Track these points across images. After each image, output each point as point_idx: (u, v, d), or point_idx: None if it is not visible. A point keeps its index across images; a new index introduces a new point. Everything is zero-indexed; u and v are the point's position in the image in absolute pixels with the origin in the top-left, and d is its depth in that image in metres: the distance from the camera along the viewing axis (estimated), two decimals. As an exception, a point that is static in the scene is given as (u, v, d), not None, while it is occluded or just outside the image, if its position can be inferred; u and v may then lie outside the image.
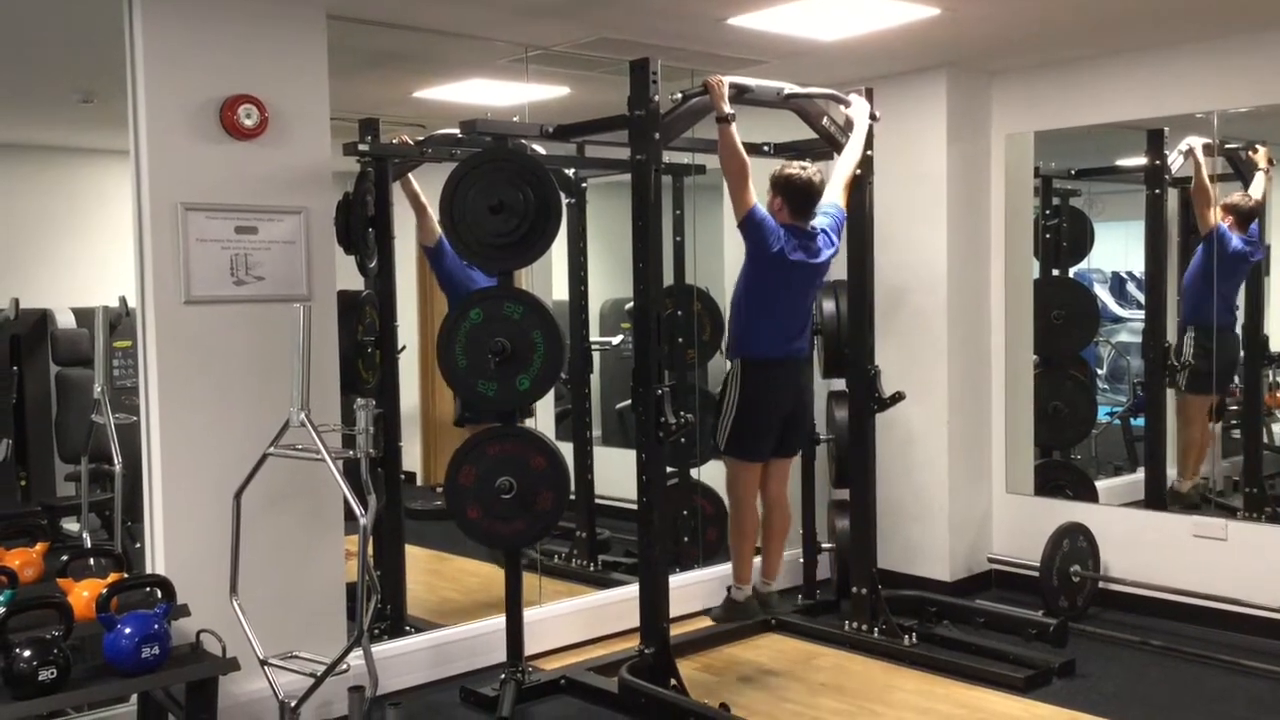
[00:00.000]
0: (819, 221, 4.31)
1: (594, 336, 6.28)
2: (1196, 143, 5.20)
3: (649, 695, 3.99)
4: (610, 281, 6.69)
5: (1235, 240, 5.26)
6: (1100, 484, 5.91)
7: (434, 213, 5.05)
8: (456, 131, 4.42)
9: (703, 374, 6.09)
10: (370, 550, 3.47)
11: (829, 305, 4.94)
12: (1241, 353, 5.42)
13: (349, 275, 4.51)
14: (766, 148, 4.97)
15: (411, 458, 7.40)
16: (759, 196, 4.23)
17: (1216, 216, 5.24)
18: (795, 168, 4.29)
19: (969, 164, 5.48)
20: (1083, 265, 6.19)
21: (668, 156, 4.30)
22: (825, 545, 5.31)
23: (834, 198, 4.38)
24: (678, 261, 5.75)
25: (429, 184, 5.31)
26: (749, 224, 4.14)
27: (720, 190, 5.80)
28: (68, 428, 5.88)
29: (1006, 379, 5.63)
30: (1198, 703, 4.17)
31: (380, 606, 4.47)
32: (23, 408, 6.13)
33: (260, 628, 3.47)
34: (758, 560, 4.75)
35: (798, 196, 4.25)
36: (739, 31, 4.48)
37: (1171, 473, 5.55)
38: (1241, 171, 5.32)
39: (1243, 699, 4.20)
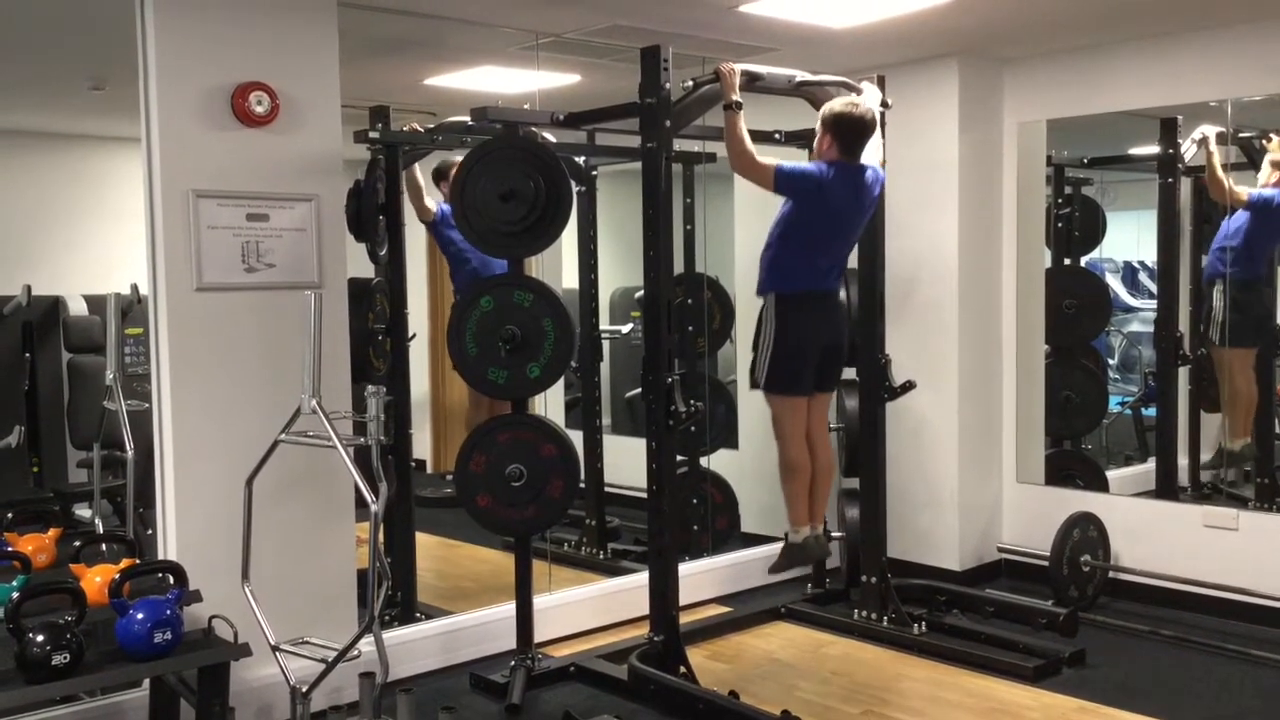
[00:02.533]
0: (868, 161, 4.19)
1: (604, 325, 6.28)
2: (1210, 131, 5.17)
3: (658, 683, 4.00)
4: (620, 269, 6.68)
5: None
6: (1111, 474, 5.90)
7: (429, 194, 5.09)
8: (467, 119, 4.41)
9: (712, 362, 6.08)
10: (381, 537, 3.48)
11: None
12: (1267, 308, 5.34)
13: (360, 263, 4.52)
14: (778, 135, 4.96)
15: (422, 445, 7.43)
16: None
17: (1237, 198, 5.18)
18: (846, 104, 4.11)
19: (981, 152, 5.46)
20: (1095, 254, 6.17)
21: (678, 144, 4.30)
22: (835, 534, 5.30)
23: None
24: (688, 250, 5.74)
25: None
26: (781, 182, 4.03)
27: (730, 178, 5.82)
28: (80, 414, 5.91)
29: (1018, 368, 5.62)
30: (1208, 692, 4.17)
31: (391, 593, 4.48)
32: (35, 394, 6.16)
33: (272, 613, 3.49)
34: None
35: (849, 134, 4.09)
36: (750, 19, 4.47)
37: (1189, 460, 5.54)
38: (1255, 160, 5.29)
39: (1253, 689, 4.19)
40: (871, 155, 4.28)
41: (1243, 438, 5.39)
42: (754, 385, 4.34)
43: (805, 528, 4.38)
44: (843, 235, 4.25)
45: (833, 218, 4.14)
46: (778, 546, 5.58)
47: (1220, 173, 5.17)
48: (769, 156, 4.13)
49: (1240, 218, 5.25)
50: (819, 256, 4.21)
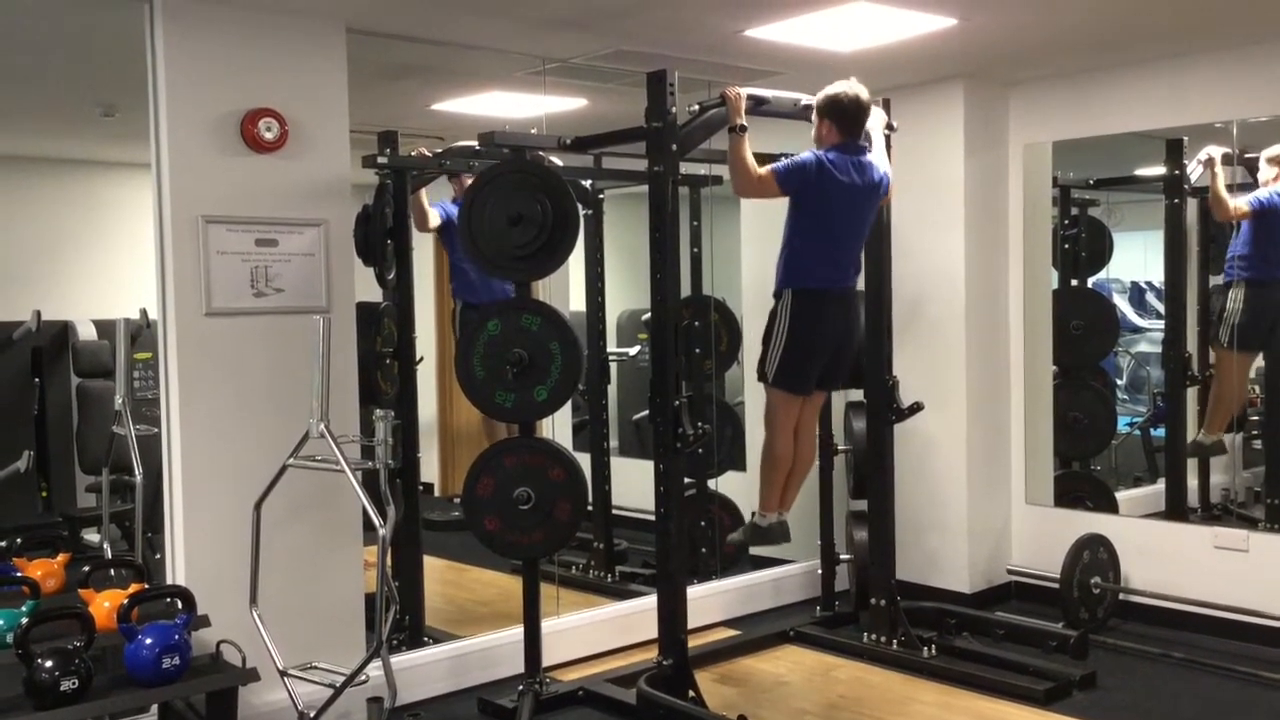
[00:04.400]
0: (873, 156, 4.21)
1: (611, 347, 6.28)
2: (1216, 152, 5.17)
3: (667, 707, 3.98)
4: (627, 292, 6.70)
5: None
6: (1120, 495, 5.87)
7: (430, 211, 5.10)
8: (475, 144, 4.44)
9: (720, 385, 6.08)
10: (389, 561, 3.48)
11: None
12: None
13: (368, 287, 4.54)
14: (784, 158, 4.96)
15: (429, 469, 7.42)
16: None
17: (1240, 212, 5.20)
18: (838, 88, 4.10)
19: (987, 174, 5.47)
20: (1101, 275, 6.17)
21: (685, 168, 4.31)
22: (844, 557, 5.29)
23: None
24: (694, 272, 5.75)
25: (447, 193, 5.34)
26: (782, 181, 4.02)
27: (737, 200, 5.84)
28: (88, 439, 5.93)
29: (1025, 389, 5.61)
30: (1219, 715, 4.14)
31: (399, 617, 4.47)
32: (44, 419, 6.18)
33: (280, 638, 3.49)
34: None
35: (845, 116, 4.09)
36: (755, 43, 4.49)
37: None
38: (1260, 181, 5.28)
39: (1265, 711, 4.16)
40: (879, 160, 4.29)
41: (1216, 434, 5.45)
42: (760, 379, 4.37)
43: (773, 514, 4.43)
44: (851, 222, 4.19)
45: (838, 202, 4.10)
46: (786, 569, 5.63)
47: (1224, 193, 5.17)
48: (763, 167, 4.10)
49: (1247, 226, 5.25)
50: (832, 250, 4.17)
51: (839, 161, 4.09)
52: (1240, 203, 5.17)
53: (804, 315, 4.17)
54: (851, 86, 4.11)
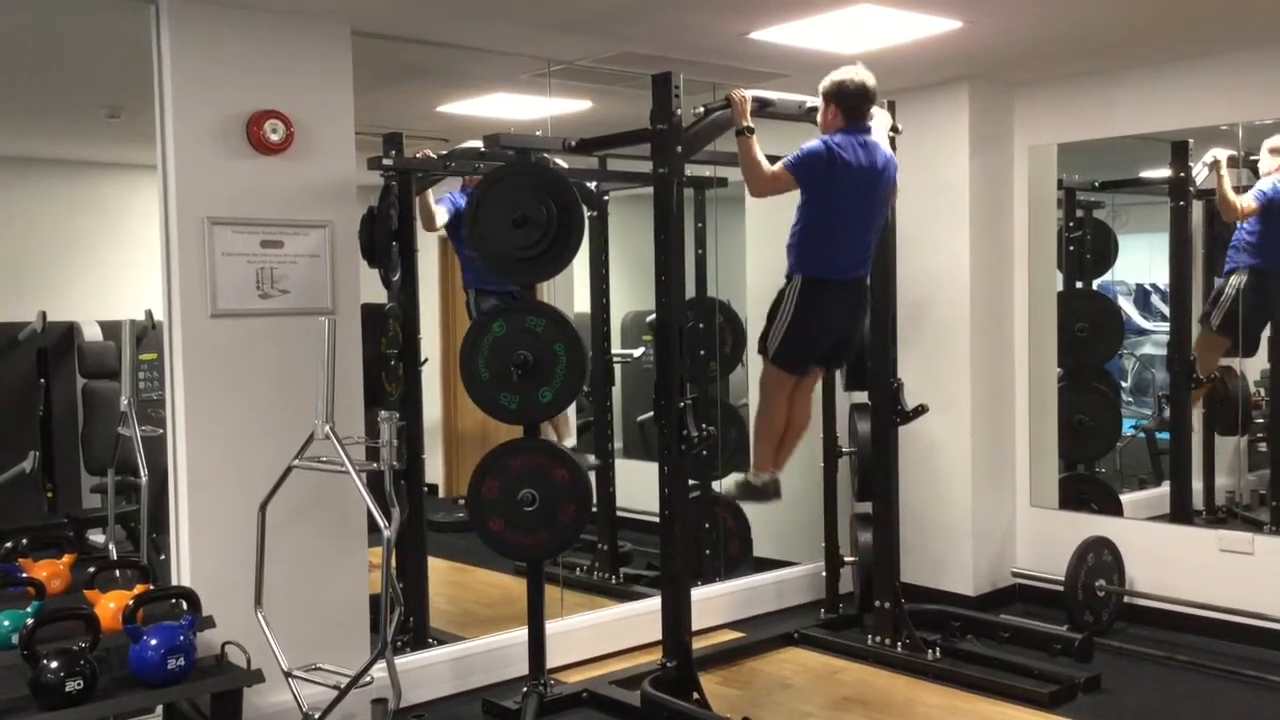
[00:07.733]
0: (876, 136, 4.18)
1: (615, 349, 6.28)
2: (1221, 154, 5.16)
3: (671, 709, 3.98)
4: (632, 294, 6.70)
5: None
6: (1125, 497, 5.86)
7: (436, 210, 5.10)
8: (480, 145, 4.44)
9: (724, 386, 6.08)
10: (393, 562, 3.48)
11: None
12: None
13: (373, 288, 4.55)
14: (788, 160, 4.97)
15: (434, 470, 7.44)
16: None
17: (1248, 209, 5.18)
18: (845, 74, 4.06)
19: (991, 176, 5.46)
20: (1106, 277, 6.16)
21: (689, 169, 4.31)
22: (848, 559, 5.29)
23: None
24: (699, 274, 5.75)
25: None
26: (797, 172, 4.00)
27: (741, 202, 5.85)
28: (94, 440, 5.94)
29: (1030, 392, 5.61)
30: (1224, 718, 4.13)
31: (403, 619, 4.47)
32: (49, 420, 6.19)
33: (284, 639, 3.49)
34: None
35: (850, 101, 4.05)
36: (761, 45, 4.50)
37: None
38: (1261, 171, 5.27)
39: (1270, 715, 4.16)
40: (880, 136, 4.25)
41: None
42: (760, 352, 4.39)
43: (766, 473, 4.48)
44: (861, 208, 4.14)
45: (847, 186, 4.06)
46: (790, 571, 5.64)
47: (1231, 195, 5.17)
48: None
49: (1255, 217, 5.25)
50: (842, 237, 4.13)
51: (845, 144, 4.04)
52: (1248, 200, 5.16)
53: (810, 303, 4.15)
54: (858, 73, 4.07)
